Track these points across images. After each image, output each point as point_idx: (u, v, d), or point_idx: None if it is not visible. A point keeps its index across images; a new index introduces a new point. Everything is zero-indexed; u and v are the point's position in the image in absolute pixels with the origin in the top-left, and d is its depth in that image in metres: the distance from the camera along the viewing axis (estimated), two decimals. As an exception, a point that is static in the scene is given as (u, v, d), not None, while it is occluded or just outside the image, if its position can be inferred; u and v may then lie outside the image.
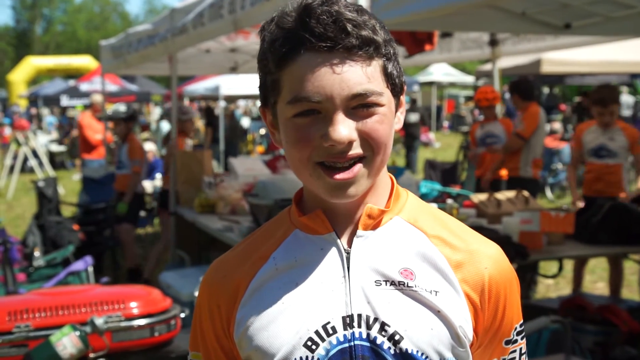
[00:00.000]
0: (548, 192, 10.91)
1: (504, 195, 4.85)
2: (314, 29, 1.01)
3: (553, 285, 6.57)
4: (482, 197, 4.78)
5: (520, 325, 1.18)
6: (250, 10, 4.03)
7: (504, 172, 6.22)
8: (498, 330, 1.14)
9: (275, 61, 1.06)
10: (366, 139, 1.05)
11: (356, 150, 1.05)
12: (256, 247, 1.19)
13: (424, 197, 6.52)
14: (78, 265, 5.03)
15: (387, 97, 1.07)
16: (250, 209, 5.18)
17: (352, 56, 1.03)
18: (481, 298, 1.11)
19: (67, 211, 9.49)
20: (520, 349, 1.18)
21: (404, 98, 1.16)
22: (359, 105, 1.04)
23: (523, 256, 3.94)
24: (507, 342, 1.16)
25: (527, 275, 6.09)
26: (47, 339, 3.06)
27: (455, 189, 7.23)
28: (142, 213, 8.97)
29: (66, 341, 3.04)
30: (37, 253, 5.79)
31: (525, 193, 4.87)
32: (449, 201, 4.65)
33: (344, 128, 1.03)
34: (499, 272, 1.13)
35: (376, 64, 1.06)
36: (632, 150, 5.34)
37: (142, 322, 3.27)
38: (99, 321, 3.16)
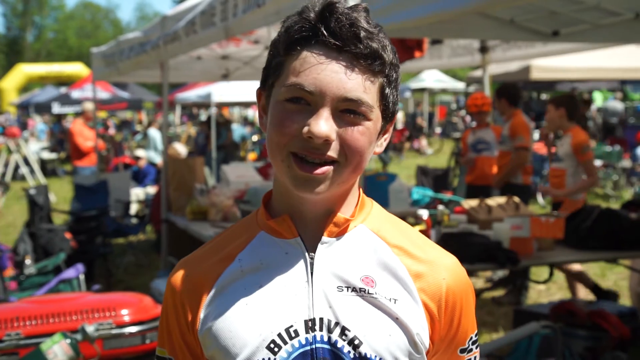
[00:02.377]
0: (539, 198, 10.96)
1: (494, 201, 4.88)
2: (330, 24, 1.07)
3: (544, 290, 6.59)
4: (473, 203, 4.80)
5: (475, 335, 1.23)
6: (242, 18, 4.05)
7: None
8: (453, 338, 1.19)
9: (286, 45, 1.10)
10: (344, 145, 1.08)
11: (331, 153, 1.07)
12: (222, 247, 1.21)
13: (415, 203, 6.54)
14: (69, 273, 5.01)
15: (375, 115, 1.11)
16: (242, 216, 5.18)
17: (358, 64, 1.07)
18: (438, 307, 1.16)
19: (59, 219, 9.46)
20: (475, 357, 1.23)
21: (391, 127, 1.19)
22: (347, 110, 1.07)
23: (513, 262, 3.96)
24: (462, 351, 1.21)
25: (518, 281, 6.12)
26: (38, 346, 3.05)
27: (446, 195, 7.26)
28: (134, 220, 8.95)
29: (57, 349, 3.04)
30: (28, 261, 5.78)
31: (516, 199, 4.90)
32: (440, 207, 4.66)
33: (325, 125, 1.06)
34: (456, 283, 1.18)
35: (376, 82, 1.10)
36: (576, 157, 5.33)
37: (133, 329, 3.27)
38: (90, 329, 3.15)
